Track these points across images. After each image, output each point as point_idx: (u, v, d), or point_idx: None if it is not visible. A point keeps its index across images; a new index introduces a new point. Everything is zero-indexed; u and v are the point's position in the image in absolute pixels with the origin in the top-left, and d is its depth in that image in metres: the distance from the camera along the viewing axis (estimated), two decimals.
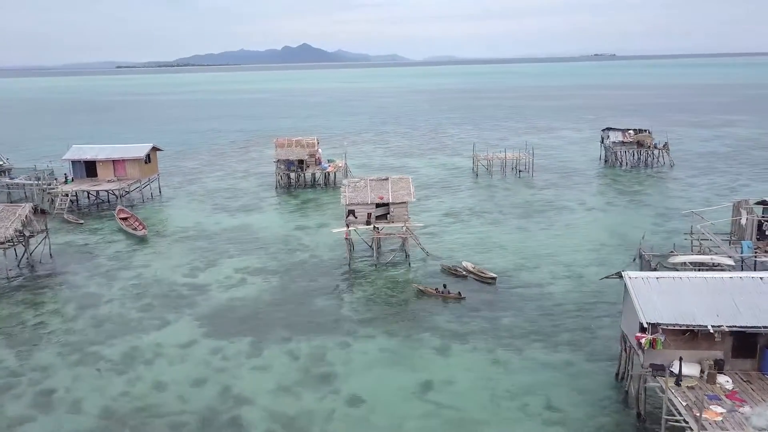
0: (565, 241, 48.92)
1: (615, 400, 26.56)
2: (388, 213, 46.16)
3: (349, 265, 44.21)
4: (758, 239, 38.70)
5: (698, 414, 20.14)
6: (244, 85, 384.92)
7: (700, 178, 71.11)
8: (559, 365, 29.77)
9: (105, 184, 63.88)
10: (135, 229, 53.17)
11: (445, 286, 38.85)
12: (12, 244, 44.46)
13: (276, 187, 71.63)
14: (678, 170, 75.88)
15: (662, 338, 22.60)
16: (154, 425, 25.78)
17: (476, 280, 40.51)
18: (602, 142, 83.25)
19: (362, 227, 45.44)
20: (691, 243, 42.39)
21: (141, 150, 65.89)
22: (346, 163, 73.66)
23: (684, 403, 21.40)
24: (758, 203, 39.89)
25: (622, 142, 78.70)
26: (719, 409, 20.90)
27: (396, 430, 25.18)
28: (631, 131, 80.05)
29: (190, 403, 27.28)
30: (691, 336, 23.10)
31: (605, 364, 29.45)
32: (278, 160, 72.21)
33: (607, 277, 29.05)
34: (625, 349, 27.14)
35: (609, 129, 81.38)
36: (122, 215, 56.20)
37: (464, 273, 41.34)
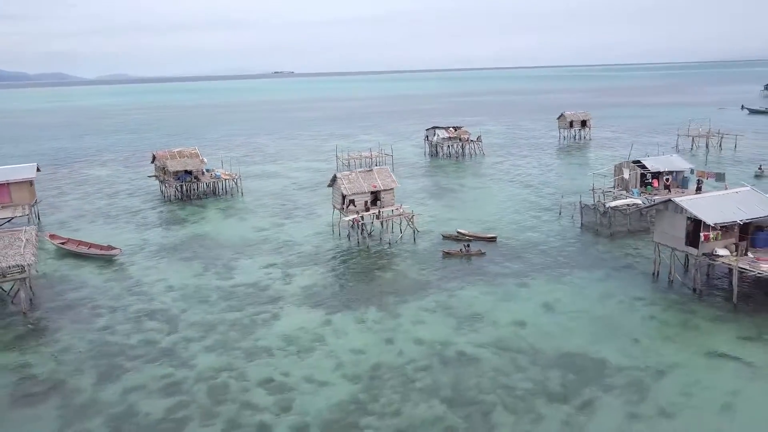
0: (491, 209, 60.85)
1: (664, 287, 39.07)
2: (378, 199, 52.23)
3: (367, 247, 49.22)
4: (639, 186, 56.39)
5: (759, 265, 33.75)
6: None
7: (516, 160, 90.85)
8: (604, 278, 41.30)
9: None
10: (93, 249, 48.38)
11: (468, 246, 47.30)
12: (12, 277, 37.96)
13: (170, 200, 68.85)
14: (491, 157, 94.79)
15: (720, 233, 35.87)
16: (408, 370, 29.47)
17: (480, 240, 49.76)
18: (427, 138, 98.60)
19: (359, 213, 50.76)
20: (593, 194, 58.51)
21: (28, 171, 57.51)
22: (235, 171, 74.47)
23: (746, 265, 34.90)
24: (634, 162, 57.55)
25: (449, 137, 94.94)
26: (764, 265, 34.89)
27: (569, 329, 33.43)
28: (452, 128, 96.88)
29: (410, 354, 31.28)
30: (724, 230, 36.84)
31: (630, 272, 42.05)
32: (166, 172, 69.42)
33: (651, 207, 42.21)
34: (659, 254, 40.16)
35: (435, 128, 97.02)
36: (58, 240, 49.95)
37: (468, 237, 50.22)
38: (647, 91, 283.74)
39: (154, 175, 73.26)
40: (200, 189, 71.13)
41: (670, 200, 38.36)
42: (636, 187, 56.09)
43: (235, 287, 41.66)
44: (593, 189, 58.60)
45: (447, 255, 46.75)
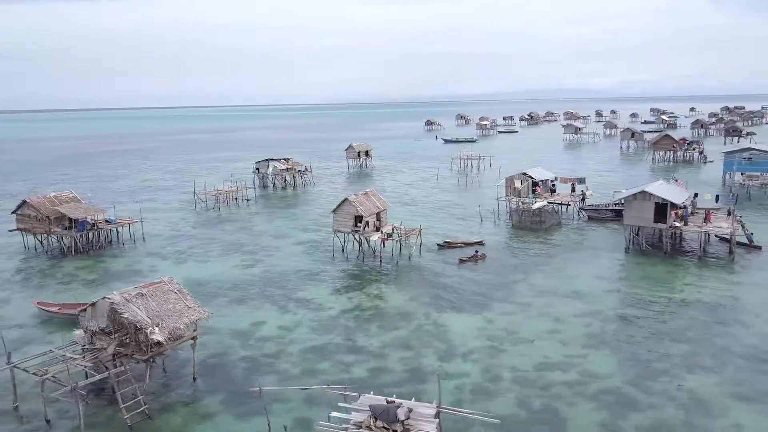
0: (418, 222, 67.69)
1: (642, 255, 52.96)
2: (377, 219, 54.68)
3: (396, 261, 51.56)
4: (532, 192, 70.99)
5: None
6: None
7: (347, 186, 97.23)
8: (597, 254, 53.23)
9: None
10: None
11: (477, 252, 53.97)
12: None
13: (62, 254, 56.22)
14: (321, 186, 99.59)
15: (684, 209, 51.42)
16: (609, 331, 36.01)
17: (470, 245, 56.65)
18: (257, 171, 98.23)
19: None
20: (498, 201, 70.78)
21: None
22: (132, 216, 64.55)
23: (707, 229, 51.08)
24: (523, 174, 71.86)
25: (286, 169, 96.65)
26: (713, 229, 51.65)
27: (641, 287, 44.03)
28: (283, 160, 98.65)
29: (588, 323, 37.80)
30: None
31: (606, 250, 55.02)
32: (51, 221, 56.45)
33: (619, 202, 55.22)
34: (629, 232, 54.19)
35: (269, 160, 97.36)
36: (52, 306, 38.96)
37: (461, 245, 56.59)
38: (327, 128, 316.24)
39: (21, 228, 58.14)
40: (100, 238, 59.76)
41: (642, 191, 52.78)
42: (530, 193, 70.61)
43: (347, 313, 40.61)
44: (497, 197, 71.11)
45: (462, 261, 52.64)
